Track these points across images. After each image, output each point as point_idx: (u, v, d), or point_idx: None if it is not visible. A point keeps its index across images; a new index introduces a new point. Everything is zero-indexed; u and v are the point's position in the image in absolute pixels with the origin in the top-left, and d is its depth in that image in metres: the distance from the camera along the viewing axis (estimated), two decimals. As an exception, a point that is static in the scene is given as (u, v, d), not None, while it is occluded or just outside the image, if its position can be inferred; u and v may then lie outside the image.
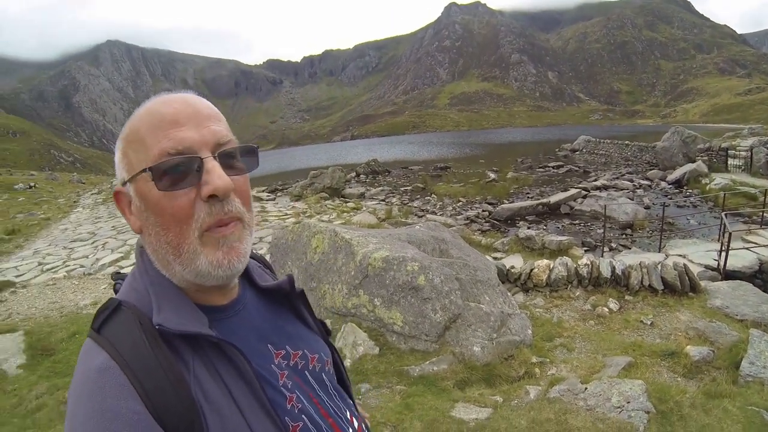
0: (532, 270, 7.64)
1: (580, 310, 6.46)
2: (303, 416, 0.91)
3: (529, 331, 5.26)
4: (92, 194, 28.12)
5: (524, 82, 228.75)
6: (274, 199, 23.05)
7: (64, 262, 10.91)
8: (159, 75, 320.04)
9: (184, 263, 0.83)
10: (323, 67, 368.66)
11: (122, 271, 0.98)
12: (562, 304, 6.73)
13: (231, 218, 0.85)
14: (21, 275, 10.16)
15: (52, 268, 10.56)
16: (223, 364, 0.85)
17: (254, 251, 1.06)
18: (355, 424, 1.05)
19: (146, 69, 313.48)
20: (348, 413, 1.05)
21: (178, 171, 0.81)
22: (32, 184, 30.34)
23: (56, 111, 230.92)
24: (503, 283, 7.38)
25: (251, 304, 0.98)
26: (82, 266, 10.44)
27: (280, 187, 31.24)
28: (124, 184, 0.86)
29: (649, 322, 5.79)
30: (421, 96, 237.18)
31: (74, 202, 24.29)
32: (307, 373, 0.99)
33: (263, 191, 28.67)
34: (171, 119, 0.83)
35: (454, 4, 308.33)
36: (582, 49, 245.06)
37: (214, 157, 0.84)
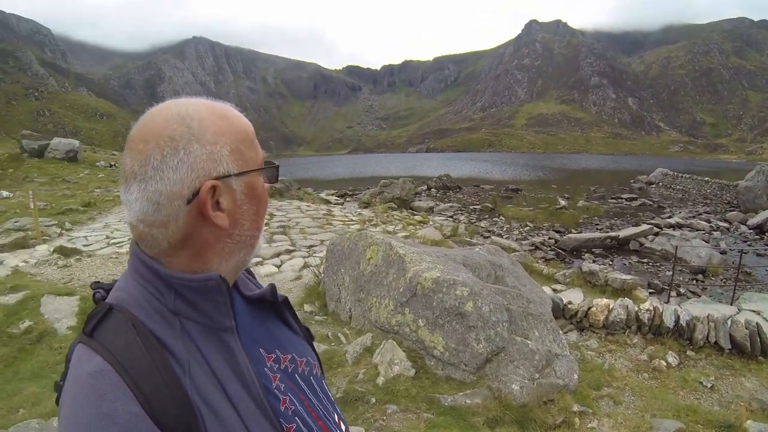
0: (589, 308, 7.27)
1: (635, 359, 6.08)
2: (296, 418, 0.94)
3: (576, 376, 4.97)
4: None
5: (603, 106, 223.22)
6: (342, 204, 23.35)
7: (130, 238, 11.27)
8: (240, 72, 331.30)
9: (259, 240, 0.98)
10: (402, 76, 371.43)
11: (102, 282, 0.98)
12: (616, 350, 6.36)
13: None
14: (88, 245, 10.65)
15: (118, 242, 11.00)
16: (221, 365, 0.86)
17: None
18: (342, 427, 1.09)
19: (228, 66, 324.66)
20: (336, 416, 1.08)
21: (273, 171, 0.99)
22: (113, 163, 31.82)
23: (141, 98, 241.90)
24: (557, 318, 7.09)
25: (240, 309, 0.98)
26: None
27: (350, 193, 31.67)
28: (227, 176, 0.89)
29: (709, 385, 5.35)
30: (499, 114, 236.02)
31: None
32: (297, 377, 1.01)
33: (333, 194, 29.09)
34: (254, 132, 0.98)
35: (535, 21, 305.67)
36: (665, 75, 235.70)
37: None
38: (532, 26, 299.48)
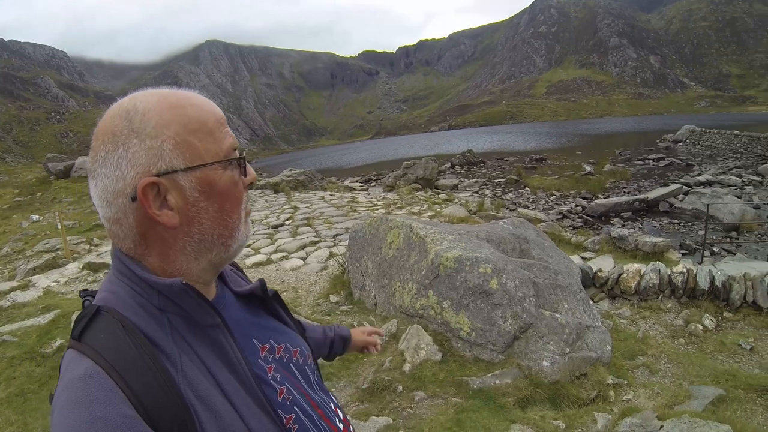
0: (620, 275, 7.11)
1: (670, 325, 5.91)
2: (295, 407, 0.94)
3: (609, 347, 4.83)
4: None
5: (624, 67, 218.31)
6: (366, 190, 23.29)
7: None
8: (256, 70, 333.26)
9: (236, 239, 0.92)
10: (419, 57, 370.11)
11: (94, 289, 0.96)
12: (650, 317, 6.19)
13: None
14: (119, 259, 10.76)
15: None
16: (212, 359, 0.85)
17: None
18: (340, 414, 1.09)
19: (243, 65, 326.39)
20: (332, 404, 1.09)
21: (241, 164, 0.92)
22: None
23: None
24: (588, 287, 6.95)
25: (231, 303, 1.00)
26: None
27: (374, 178, 31.63)
28: (175, 171, 0.84)
29: (748, 347, 5.16)
30: (518, 85, 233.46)
31: None
32: (292, 366, 1.02)
33: (357, 181, 29.07)
34: (222, 119, 0.91)
35: None
36: (686, 29, 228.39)
37: None
38: None
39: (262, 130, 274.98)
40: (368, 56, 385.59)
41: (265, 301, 1.07)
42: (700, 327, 5.68)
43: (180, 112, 0.85)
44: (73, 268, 9.99)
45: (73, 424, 0.69)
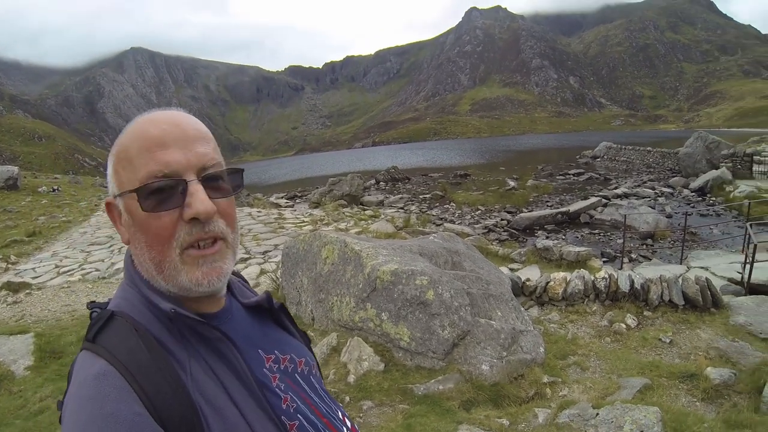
0: (548, 283, 7.41)
1: (596, 326, 6.22)
2: (299, 415, 0.94)
3: (542, 349, 5.06)
4: (114, 198, 28.52)
5: (545, 87, 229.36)
6: (292, 206, 23.16)
7: (81, 266, 10.93)
8: (182, 81, 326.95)
9: (166, 278, 0.86)
10: (345, 73, 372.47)
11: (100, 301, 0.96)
12: (577, 320, 6.50)
13: (213, 237, 0.88)
14: (37, 277, 10.21)
15: (68, 270, 10.58)
16: (218, 363, 0.88)
17: (236, 269, 1.07)
18: (348, 423, 1.08)
19: (169, 75, 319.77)
20: (339, 413, 1.08)
21: (162, 193, 0.83)
22: (56, 187, 30.64)
23: (81, 116, 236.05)
24: (518, 296, 7.19)
25: (238, 314, 1.01)
26: (97, 270, 10.43)
27: (299, 194, 31.48)
28: (115, 197, 0.89)
29: (668, 341, 5.52)
30: (443, 102, 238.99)
31: (95, 205, 24.52)
32: (297, 376, 1.02)
33: (282, 198, 28.84)
34: (158, 141, 0.84)
35: (475, 8, 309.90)
36: (604, 53, 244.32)
37: (199, 180, 0.86)
38: (472, 13, 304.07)
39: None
40: (295, 71, 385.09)
41: (271, 312, 1.08)
42: (624, 326, 6.02)
43: (122, 139, 0.88)
44: (-11, 288, 9.41)
45: (85, 419, 0.72)
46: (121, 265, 10.63)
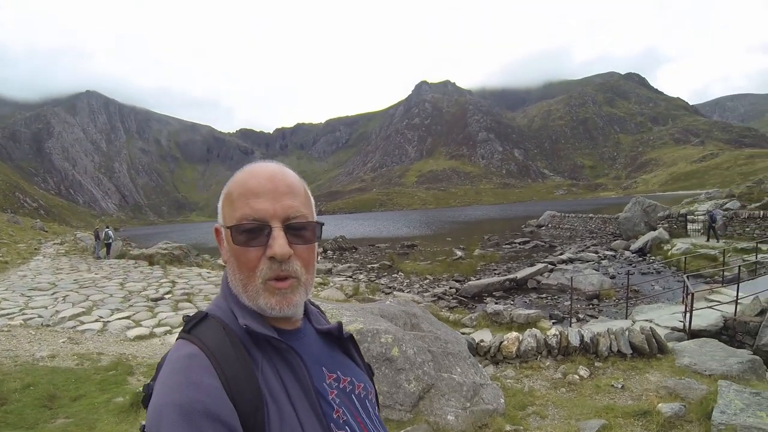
0: (501, 343, 7.71)
1: (551, 378, 6.52)
2: (347, 427, 1.05)
3: (502, 400, 5.29)
4: (54, 244, 27.56)
5: (491, 159, 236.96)
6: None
7: (21, 310, 10.60)
8: (134, 132, 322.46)
9: (249, 298, 1.04)
10: (294, 140, 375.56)
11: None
12: (532, 374, 6.78)
13: (287, 275, 1.04)
14: (-28, 319, 9.69)
15: (8, 314, 10.18)
16: (285, 369, 1.02)
17: (314, 302, 1.29)
18: None
19: (121, 124, 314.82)
20: None
21: (251, 233, 1.03)
22: (-6, 224, 29.30)
23: (27, 153, 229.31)
24: (473, 356, 7.44)
25: (310, 336, 1.15)
26: (40, 316, 10.11)
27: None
28: (221, 226, 1.10)
29: (620, 386, 5.87)
30: (390, 173, 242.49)
31: (35, 249, 23.69)
32: (353, 397, 1.12)
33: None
34: (254, 191, 1.05)
35: (425, 82, 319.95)
36: (546, 126, 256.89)
37: (282, 228, 1.04)
38: (422, 87, 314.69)
39: (133, 197, 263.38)
40: (246, 134, 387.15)
41: (340, 341, 1.21)
42: (577, 377, 6.34)
43: (231, 183, 1.10)
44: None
45: (171, 384, 0.89)
46: (66, 313, 10.36)
